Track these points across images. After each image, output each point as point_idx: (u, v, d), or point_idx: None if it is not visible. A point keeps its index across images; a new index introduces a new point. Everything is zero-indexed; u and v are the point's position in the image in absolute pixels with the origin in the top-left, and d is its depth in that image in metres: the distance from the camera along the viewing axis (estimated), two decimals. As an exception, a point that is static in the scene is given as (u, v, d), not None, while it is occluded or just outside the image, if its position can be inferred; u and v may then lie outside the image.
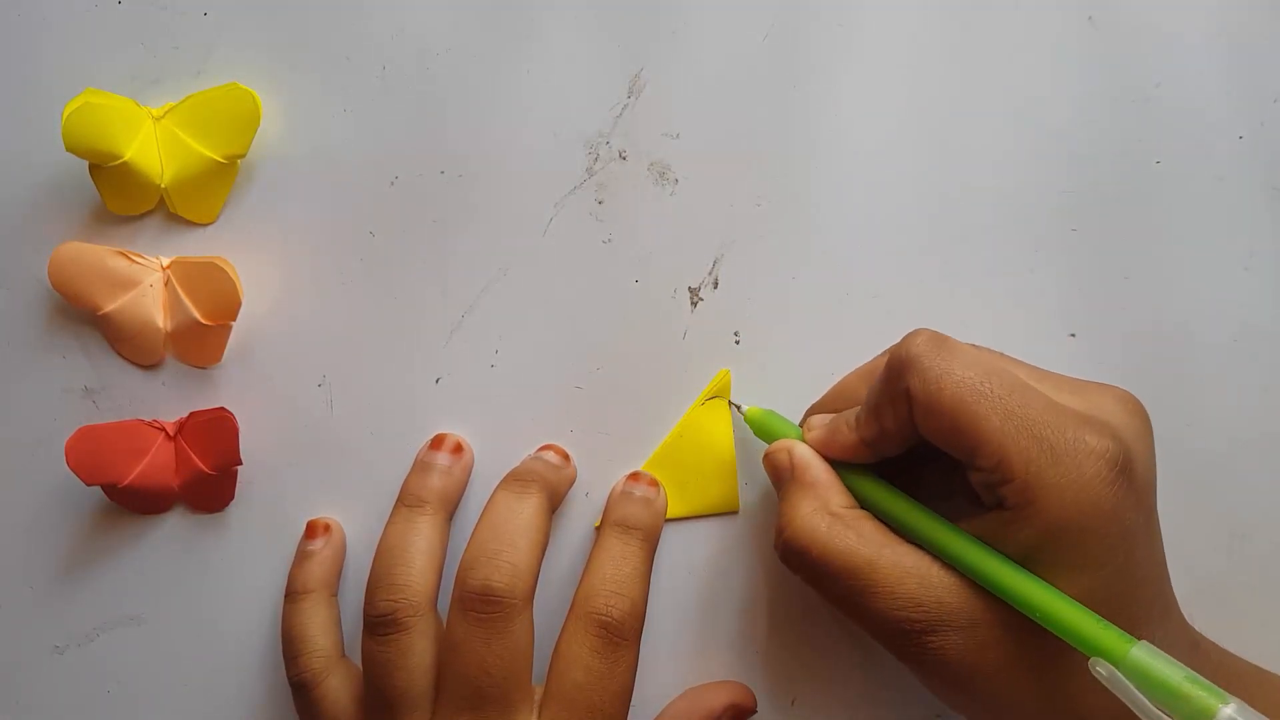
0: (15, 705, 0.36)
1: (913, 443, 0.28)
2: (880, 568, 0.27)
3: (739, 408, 0.34)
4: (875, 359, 0.31)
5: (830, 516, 0.28)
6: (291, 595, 0.34)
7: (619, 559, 0.31)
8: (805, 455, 0.30)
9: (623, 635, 0.30)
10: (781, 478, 0.31)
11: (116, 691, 0.36)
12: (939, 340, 0.27)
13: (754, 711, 0.33)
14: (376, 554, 0.32)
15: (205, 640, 0.35)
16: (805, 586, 0.34)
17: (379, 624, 0.30)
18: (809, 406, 0.33)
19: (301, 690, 0.32)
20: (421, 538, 0.32)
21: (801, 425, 0.32)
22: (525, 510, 0.31)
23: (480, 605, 0.29)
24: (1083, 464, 0.25)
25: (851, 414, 0.30)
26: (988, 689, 0.26)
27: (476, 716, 0.29)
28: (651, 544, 0.32)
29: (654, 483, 0.33)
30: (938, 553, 0.27)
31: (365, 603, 0.31)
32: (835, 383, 0.32)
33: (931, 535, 0.27)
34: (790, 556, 0.29)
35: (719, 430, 0.34)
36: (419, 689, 0.30)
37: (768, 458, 0.31)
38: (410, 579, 0.31)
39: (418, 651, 0.30)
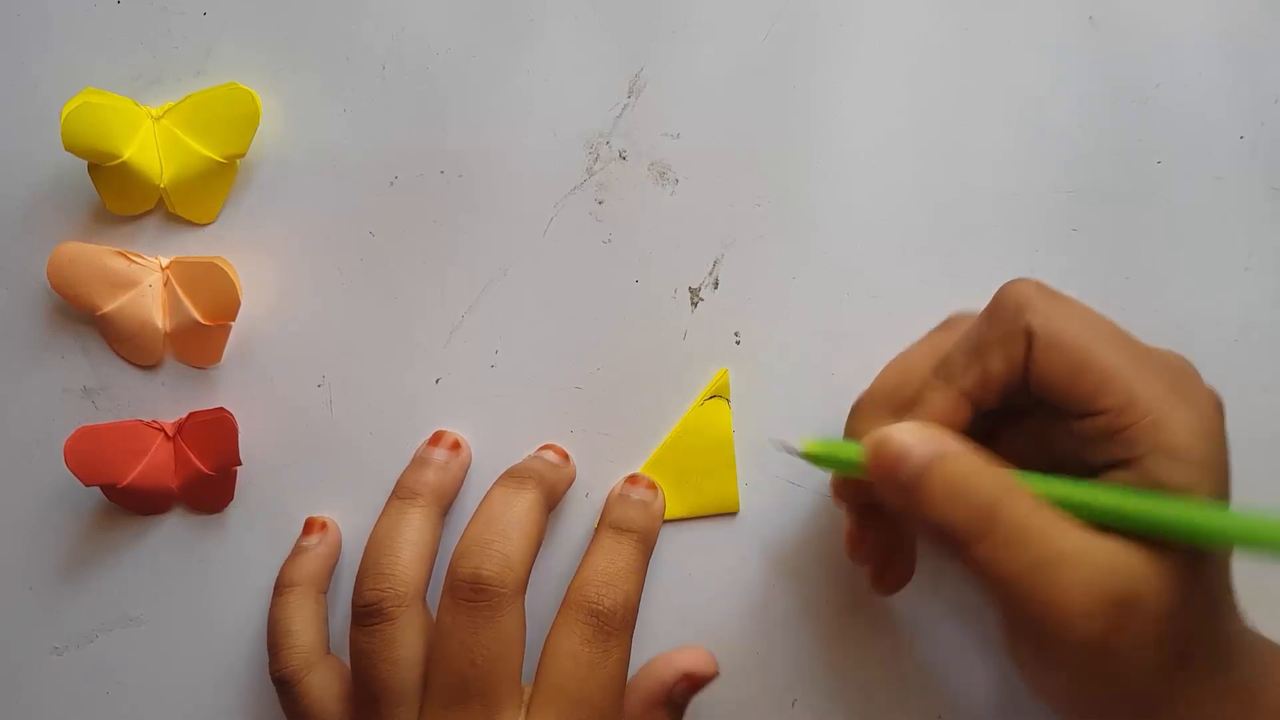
0: (15, 705, 0.36)
1: (1009, 396, 0.26)
2: (1068, 551, 0.24)
3: (788, 446, 0.29)
4: (929, 335, 0.30)
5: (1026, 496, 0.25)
6: (278, 588, 0.33)
7: (613, 554, 0.31)
8: (930, 432, 0.26)
9: (614, 625, 0.29)
10: (904, 469, 0.25)
11: (116, 692, 0.35)
12: (1048, 288, 0.27)
13: (714, 677, 0.32)
14: (366, 545, 0.31)
15: (205, 640, 0.35)
16: (805, 586, 0.34)
17: (365, 614, 0.30)
18: (857, 400, 0.30)
19: (283, 686, 0.32)
20: (411, 529, 0.31)
21: (853, 426, 0.29)
22: (520, 504, 0.31)
23: (469, 593, 0.29)
24: (1204, 404, 0.25)
25: (935, 380, 0.27)
26: (1151, 681, 0.24)
27: (462, 710, 0.28)
28: (647, 545, 0.32)
29: (652, 485, 0.33)
30: (1111, 520, 0.24)
31: (353, 593, 0.31)
32: (883, 368, 0.30)
33: (1098, 501, 0.24)
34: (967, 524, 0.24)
35: (719, 430, 0.34)
36: (406, 682, 0.29)
37: (876, 452, 0.26)
38: (396, 569, 0.30)
39: (404, 643, 0.29)
